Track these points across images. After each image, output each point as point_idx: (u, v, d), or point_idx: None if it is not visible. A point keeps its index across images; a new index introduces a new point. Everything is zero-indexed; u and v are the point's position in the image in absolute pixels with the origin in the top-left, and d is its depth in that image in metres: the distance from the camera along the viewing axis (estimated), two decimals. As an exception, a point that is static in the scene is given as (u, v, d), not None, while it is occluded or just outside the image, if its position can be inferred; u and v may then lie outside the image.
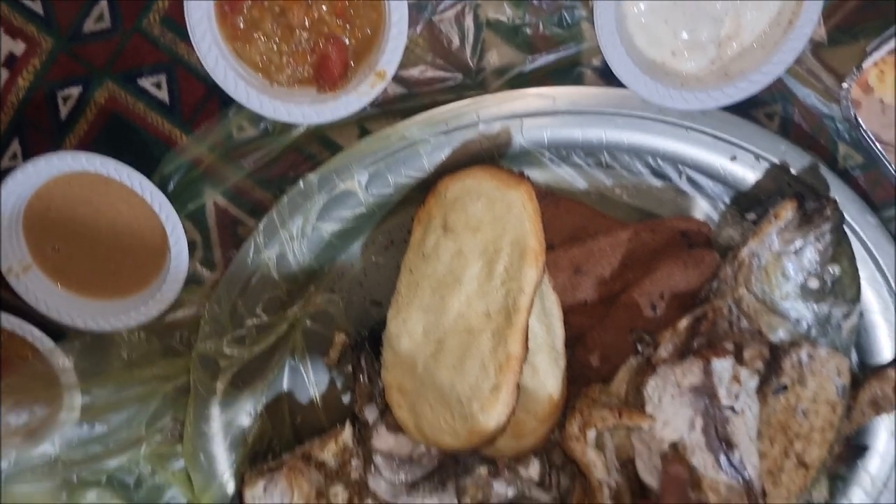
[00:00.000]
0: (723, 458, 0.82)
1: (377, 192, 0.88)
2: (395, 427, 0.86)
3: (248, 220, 0.92)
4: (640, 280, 0.85)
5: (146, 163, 0.88)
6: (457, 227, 0.81)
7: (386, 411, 0.86)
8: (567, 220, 0.87)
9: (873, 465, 0.91)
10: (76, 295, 0.90)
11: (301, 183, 0.87)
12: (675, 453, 0.83)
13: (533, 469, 0.87)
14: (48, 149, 0.88)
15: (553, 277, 0.85)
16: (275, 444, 0.93)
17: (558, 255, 0.86)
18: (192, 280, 0.92)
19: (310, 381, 0.94)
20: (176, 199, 0.87)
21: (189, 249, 0.87)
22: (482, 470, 0.87)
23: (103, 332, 0.89)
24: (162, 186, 0.87)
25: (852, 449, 0.90)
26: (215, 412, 0.91)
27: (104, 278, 0.89)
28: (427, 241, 0.83)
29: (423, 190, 0.86)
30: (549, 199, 0.87)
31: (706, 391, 0.82)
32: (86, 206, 0.87)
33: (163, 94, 0.91)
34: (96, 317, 0.88)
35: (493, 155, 0.87)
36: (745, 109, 0.87)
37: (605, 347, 0.87)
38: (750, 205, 0.88)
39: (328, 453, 0.89)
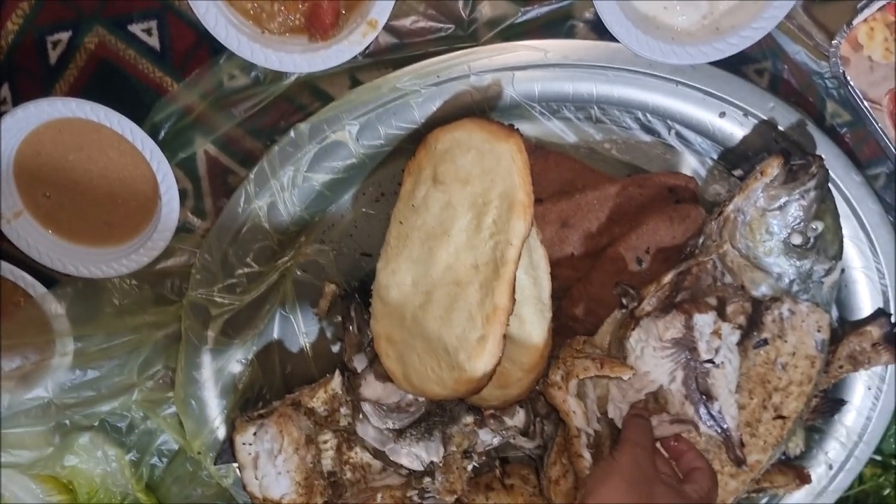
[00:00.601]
0: (702, 410, 0.84)
1: (368, 143, 0.88)
2: (384, 376, 0.87)
3: (240, 169, 0.92)
4: (627, 234, 0.86)
5: (137, 110, 0.87)
6: (446, 178, 0.81)
7: (374, 361, 0.87)
8: (556, 174, 0.87)
9: (849, 418, 0.93)
10: (67, 242, 0.90)
11: (292, 133, 0.87)
12: (656, 405, 0.85)
13: (518, 418, 0.88)
14: (38, 94, 0.87)
15: (541, 230, 0.85)
16: (265, 391, 0.94)
17: (546, 208, 0.87)
18: (182, 229, 0.91)
19: (300, 331, 0.94)
20: (167, 147, 0.86)
21: (180, 198, 0.87)
22: (468, 419, 0.88)
23: (95, 278, 0.89)
24: (153, 134, 0.86)
25: (829, 403, 0.92)
26: (206, 359, 0.91)
27: (95, 226, 0.89)
28: (417, 193, 0.83)
29: (414, 141, 0.86)
30: (539, 153, 0.87)
31: (687, 344, 0.83)
32: (77, 153, 0.87)
33: (153, 41, 0.90)
34: (88, 263, 0.89)
35: (483, 107, 0.87)
36: (735, 65, 0.87)
37: (590, 300, 0.88)
38: (737, 161, 0.88)
39: (317, 401, 0.89)
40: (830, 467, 0.94)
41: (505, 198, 0.79)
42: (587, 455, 0.84)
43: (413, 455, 0.89)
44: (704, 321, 0.82)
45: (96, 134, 0.85)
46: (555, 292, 0.85)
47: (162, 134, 0.89)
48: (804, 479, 0.92)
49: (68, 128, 0.85)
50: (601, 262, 0.87)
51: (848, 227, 0.87)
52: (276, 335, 0.94)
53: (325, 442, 0.90)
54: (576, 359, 0.84)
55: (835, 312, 0.90)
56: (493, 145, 0.79)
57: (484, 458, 0.92)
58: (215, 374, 0.92)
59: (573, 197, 0.87)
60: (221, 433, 0.93)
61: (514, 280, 0.80)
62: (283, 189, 0.88)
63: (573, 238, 0.87)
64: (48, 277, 0.91)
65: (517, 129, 0.80)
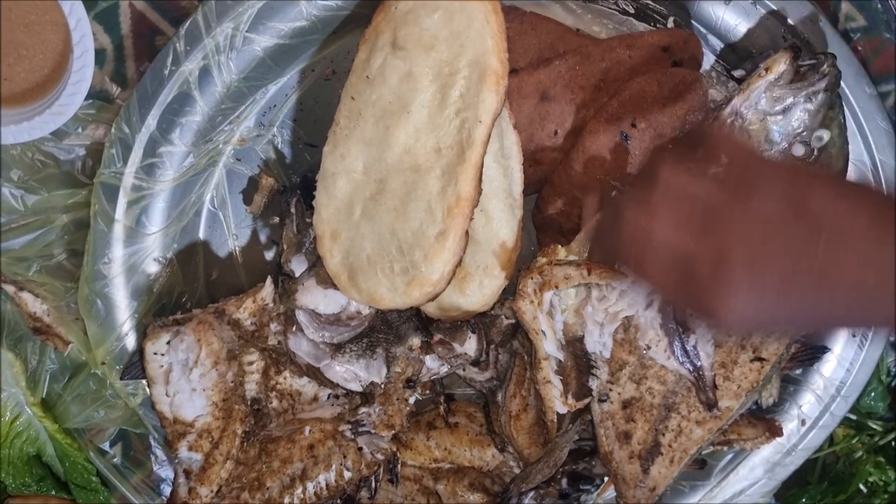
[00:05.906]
0: (676, 343, 0.78)
1: (321, 2, 0.79)
2: (326, 281, 0.78)
3: (170, 30, 0.83)
4: (606, 104, 0.76)
5: (51, -55, 0.77)
6: (407, 43, 0.71)
7: (316, 264, 0.78)
8: (533, 39, 0.78)
9: (828, 368, 0.86)
10: (-41, 96, 0.78)
11: (233, -20, 0.78)
12: (626, 335, 0.77)
13: (469, 346, 0.81)
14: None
15: (517, 106, 0.76)
16: (185, 299, 0.85)
17: (522, 79, 0.77)
18: (99, 97, 0.82)
19: (229, 231, 0.86)
20: (84, -7, 0.77)
21: (98, 60, 0.78)
22: (415, 341, 0.81)
23: (-10, 144, 0.79)
24: (68, -25, 0.76)
25: (810, 350, 0.85)
26: (118, 253, 0.82)
27: (-6, 80, 0.78)
28: (373, 62, 0.73)
29: (373, 9, 0.75)
30: (513, 15, 0.78)
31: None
32: (-27, -11, 0.75)
33: None
34: (-19, 123, 0.77)
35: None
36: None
37: (572, 187, 0.78)
38: (738, 62, 0.81)
39: (244, 312, 0.81)
40: (803, 423, 0.87)
41: (475, 66, 0.70)
42: (557, 382, 0.77)
43: (352, 373, 0.81)
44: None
45: (-1, -33, 0.74)
46: (535, 182, 0.76)
47: (80, -23, 0.78)
48: (775, 432, 0.86)
49: (-37, -45, 0.73)
50: (580, 140, 0.77)
51: (852, 145, 0.80)
52: (201, 235, 0.85)
53: (251, 364, 0.82)
54: (555, 266, 0.75)
55: (828, 246, 0.83)
56: (464, 4, 0.70)
57: (427, 392, 0.86)
58: (127, 270, 0.83)
59: (552, 64, 0.77)
60: (131, 343, 0.84)
61: (482, 166, 0.71)
62: (218, 51, 0.79)
63: (555, 113, 0.77)
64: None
65: (493, -15, 0.71)
